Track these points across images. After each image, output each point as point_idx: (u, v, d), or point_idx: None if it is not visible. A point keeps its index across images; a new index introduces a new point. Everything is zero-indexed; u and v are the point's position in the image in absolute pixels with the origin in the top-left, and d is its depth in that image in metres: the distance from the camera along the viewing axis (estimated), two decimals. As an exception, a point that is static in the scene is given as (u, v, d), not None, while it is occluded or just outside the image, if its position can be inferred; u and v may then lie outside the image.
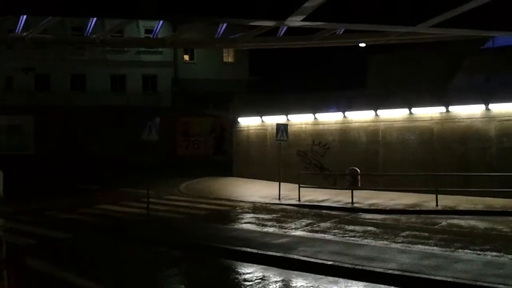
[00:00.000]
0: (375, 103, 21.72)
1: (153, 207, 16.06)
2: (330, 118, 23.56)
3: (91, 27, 18.99)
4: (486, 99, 18.83)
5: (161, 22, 19.92)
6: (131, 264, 10.89)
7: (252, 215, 16.15)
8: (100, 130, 34.26)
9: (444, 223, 14.41)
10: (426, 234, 12.81)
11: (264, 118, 26.58)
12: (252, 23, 14.32)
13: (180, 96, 39.42)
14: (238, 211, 17.14)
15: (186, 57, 41.40)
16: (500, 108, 18.76)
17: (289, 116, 24.74)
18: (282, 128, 19.72)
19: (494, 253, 10.60)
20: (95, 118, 34.62)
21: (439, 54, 22.24)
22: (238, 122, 28.61)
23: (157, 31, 20.59)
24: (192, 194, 21.46)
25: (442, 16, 11.68)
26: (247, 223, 14.58)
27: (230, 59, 42.39)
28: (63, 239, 13.14)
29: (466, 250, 10.89)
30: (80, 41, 23.56)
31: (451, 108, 19.76)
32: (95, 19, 18.52)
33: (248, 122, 27.93)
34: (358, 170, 20.03)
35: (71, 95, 36.33)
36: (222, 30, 19.65)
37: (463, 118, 19.61)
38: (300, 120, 24.62)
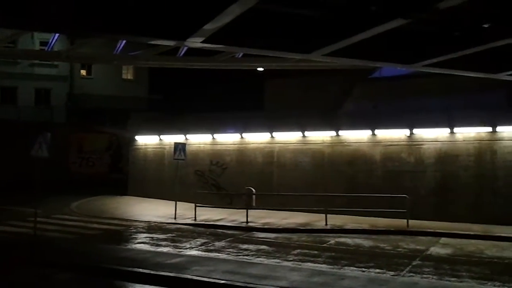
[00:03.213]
0: (271, 125, 22.46)
1: (41, 227, 15.26)
2: (228, 139, 23.95)
3: (-21, 36, 17.92)
4: (372, 125, 20.19)
5: (57, 35, 19.21)
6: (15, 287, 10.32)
7: (146, 235, 15.92)
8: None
9: (332, 241, 15.12)
10: (316, 252, 13.38)
11: (162, 136, 26.41)
12: (152, 42, 14.28)
13: (75, 112, 38.00)
14: (132, 231, 16.82)
15: (83, 72, 40.12)
16: (385, 134, 20.18)
17: (188, 136, 24.80)
18: (180, 147, 19.75)
19: (378, 270, 11.30)
20: (-20, 132, 32.30)
21: (332, 81, 23.41)
22: (136, 140, 28.16)
23: (52, 44, 19.80)
24: (84, 214, 20.70)
25: (334, 46, 12.40)
26: (140, 243, 14.36)
27: (130, 76, 41.67)
28: None
29: (352, 267, 11.51)
30: (-33, 51, 22.01)
31: (341, 132, 20.93)
32: (-16, 27, 17.51)
33: (146, 141, 27.59)
34: (254, 190, 20.54)
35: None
36: (121, 47, 19.33)
37: (352, 142, 20.83)
38: (198, 140, 24.77)
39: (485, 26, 11.23)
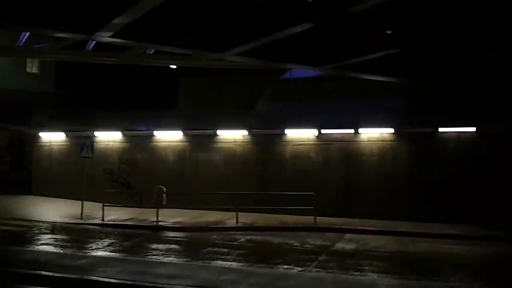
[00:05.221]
0: (184, 124, 22.34)
1: None
2: (139, 137, 23.49)
3: None
4: (282, 125, 20.66)
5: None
6: None
7: (50, 236, 15.23)
8: None
9: (242, 239, 15.28)
10: (226, 250, 13.44)
11: (68, 133, 25.42)
12: (58, 35, 13.71)
13: (-27, 106, 35.56)
14: (35, 231, 16.01)
15: (-17, 64, 37.62)
16: (294, 134, 20.72)
17: (96, 133, 24.07)
18: (87, 145, 19.11)
19: (286, 266, 11.55)
20: None
21: (245, 81, 23.57)
22: (40, 136, 26.90)
23: None
24: (-18, 214, 19.45)
25: (246, 46, 12.60)
26: (44, 245, 13.71)
27: (35, 70, 39.55)
28: None
29: (261, 264, 11.67)
30: None
31: (252, 131, 21.21)
32: None
33: (51, 137, 26.44)
34: (164, 189, 20.29)
35: None
36: (25, 38, 18.34)
37: (263, 141, 21.17)
38: (107, 137, 24.09)
39: (389, 32, 11.87)
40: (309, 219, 17.78)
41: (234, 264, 11.65)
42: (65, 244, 13.89)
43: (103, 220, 18.08)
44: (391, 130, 19.54)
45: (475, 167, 18.32)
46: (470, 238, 15.55)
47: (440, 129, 18.97)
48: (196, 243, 14.59)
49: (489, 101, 17.62)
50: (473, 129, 18.63)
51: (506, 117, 17.84)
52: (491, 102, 17.65)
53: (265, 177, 20.85)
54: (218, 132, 21.84)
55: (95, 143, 20.08)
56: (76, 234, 15.61)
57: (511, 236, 15.50)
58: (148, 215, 18.82)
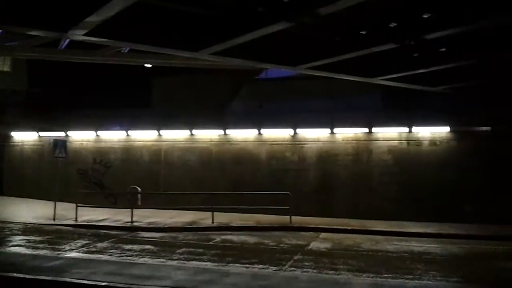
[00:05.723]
0: (159, 123, 22.20)
1: None
2: (113, 136, 23.29)
3: None
4: (258, 125, 20.71)
5: None
6: None
7: (22, 237, 14.98)
8: None
9: (218, 239, 15.25)
10: (201, 250, 13.41)
11: (41, 133, 25.05)
12: (31, 33, 13.46)
13: None
14: (7, 233, 15.72)
15: (-48, 62, 36.75)
16: (270, 133, 20.78)
17: (69, 133, 23.77)
18: (60, 145, 18.85)
19: (261, 266, 11.56)
20: None
21: (221, 80, 23.47)
22: (11, 136, 26.42)
23: None
24: (-49, 216, 19.00)
25: (222, 45, 12.53)
26: (15, 246, 13.48)
27: (6, 68, 38.77)
28: None
29: (236, 264, 11.68)
30: None
31: (228, 131, 21.22)
32: None
33: (23, 137, 25.99)
34: (139, 189, 20.15)
35: None
36: (-5, 36, 18.01)
37: (239, 141, 21.20)
38: (81, 137, 23.81)
39: (363, 33, 11.94)
40: (284, 219, 17.83)
41: (209, 264, 11.62)
42: (38, 245, 13.65)
43: (76, 220, 17.85)
44: (366, 130, 19.72)
45: (449, 166, 18.61)
46: (444, 237, 15.79)
47: (414, 129, 19.23)
48: (171, 243, 14.50)
49: (463, 101, 17.92)
50: (447, 128, 18.92)
51: (478, 117, 18.22)
52: (465, 102, 17.95)
53: (241, 176, 20.85)
54: (194, 131, 21.77)
55: (68, 143, 19.77)
56: (49, 235, 15.36)
57: (488, 235, 15.79)
58: (122, 216, 18.64)
